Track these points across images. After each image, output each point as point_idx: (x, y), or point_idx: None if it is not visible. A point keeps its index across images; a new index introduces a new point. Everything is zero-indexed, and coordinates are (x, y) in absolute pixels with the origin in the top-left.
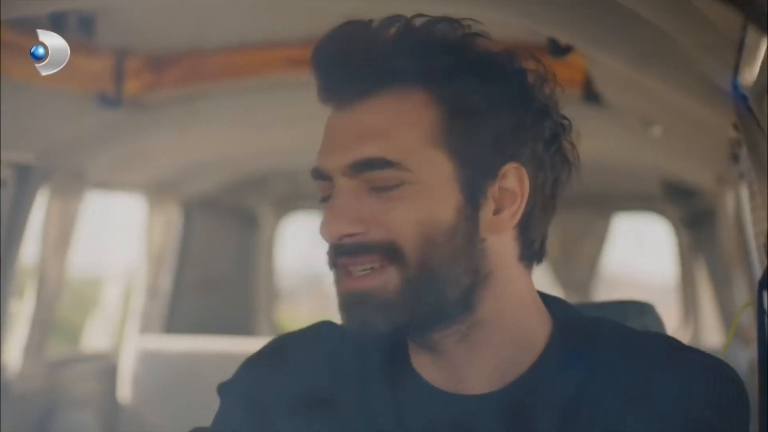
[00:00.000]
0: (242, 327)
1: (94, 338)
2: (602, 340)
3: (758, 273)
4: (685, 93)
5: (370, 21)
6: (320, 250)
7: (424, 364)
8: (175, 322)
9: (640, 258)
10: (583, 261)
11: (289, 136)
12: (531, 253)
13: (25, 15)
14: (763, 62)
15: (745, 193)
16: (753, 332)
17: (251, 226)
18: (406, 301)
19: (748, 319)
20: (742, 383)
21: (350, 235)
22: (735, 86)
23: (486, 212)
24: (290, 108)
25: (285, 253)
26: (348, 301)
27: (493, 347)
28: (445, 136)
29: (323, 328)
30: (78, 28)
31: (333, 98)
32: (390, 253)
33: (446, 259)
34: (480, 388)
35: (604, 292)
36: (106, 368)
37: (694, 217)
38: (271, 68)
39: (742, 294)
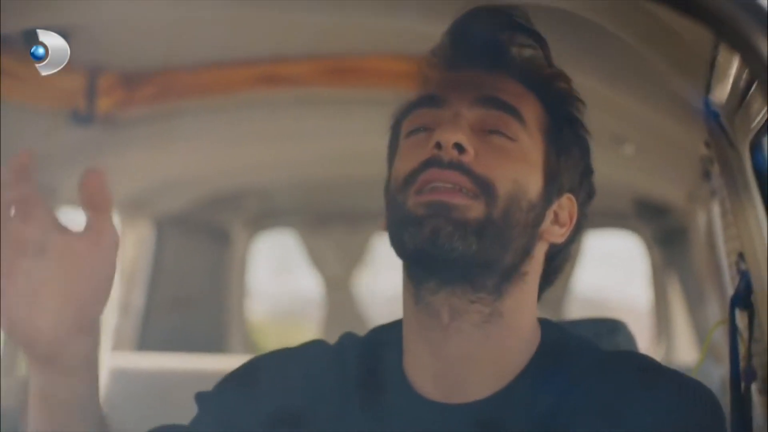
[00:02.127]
0: (214, 345)
1: None
2: (580, 358)
3: (730, 291)
4: (656, 110)
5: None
6: (293, 269)
7: (418, 371)
8: (147, 340)
9: (612, 275)
10: None
11: (263, 154)
12: (540, 287)
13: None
14: (734, 80)
15: (716, 210)
16: (725, 350)
17: (224, 244)
18: (480, 232)
19: (720, 336)
20: (717, 402)
21: (461, 150)
22: (707, 104)
23: (547, 218)
24: (263, 125)
25: (257, 270)
26: (424, 213)
27: (498, 347)
28: (548, 133)
29: (310, 348)
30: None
31: (466, 59)
32: (485, 188)
33: (520, 225)
34: (474, 393)
35: (576, 310)
36: None
37: (667, 235)
38: (244, 86)
39: (715, 312)
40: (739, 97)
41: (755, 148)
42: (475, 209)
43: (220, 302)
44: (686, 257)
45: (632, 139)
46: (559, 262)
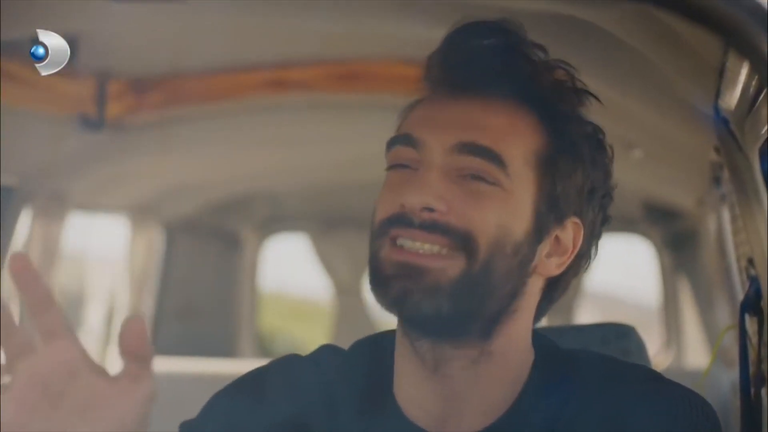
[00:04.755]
0: (225, 349)
1: None
2: (581, 370)
3: (740, 295)
4: (666, 116)
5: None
6: (302, 273)
7: (409, 400)
8: (157, 345)
9: (622, 279)
10: None
11: (271, 158)
12: (542, 309)
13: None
14: (743, 86)
15: (726, 215)
16: (735, 355)
17: (233, 249)
18: (455, 293)
19: (730, 341)
20: (716, 416)
21: (430, 210)
22: (716, 110)
23: (541, 251)
24: (272, 130)
25: (267, 275)
26: (392, 272)
27: (491, 383)
28: (542, 164)
29: (320, 355)
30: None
31: (453, 83)
32: (464, 242)
33: (504, 272)
34: (466, 426)
35: (586, 314)
36: None
37: (677, 239)
38: (253, 91)
39: (725, 316)
40: (749, 103)
41: (764, 153)
42: (451, 268)
43: (230, 307)
44: (696, 261)
45: (642, 144)
46: (556, 292)
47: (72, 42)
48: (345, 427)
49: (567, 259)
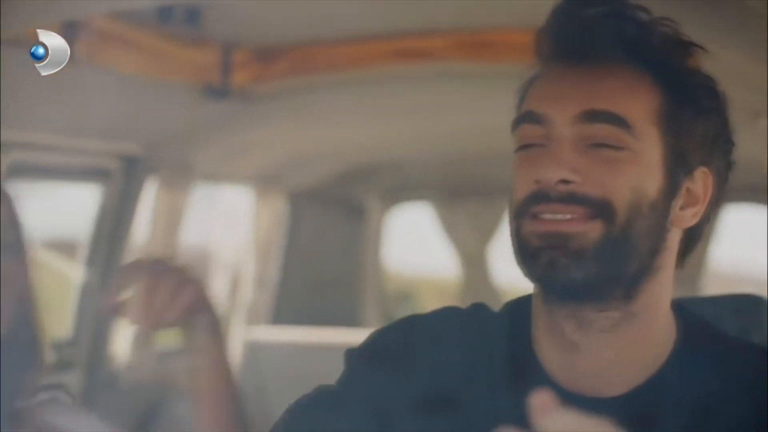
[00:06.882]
0: (349, 318)
1: None
2: (728, 346)
3: None
4: None
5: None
6: (426, 242)
7: (552, 359)
8: (282, 314)
9: (749, 250)
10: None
11: (397, 128)
12: (680, 263)
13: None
14: None
15: None
16: None
17: (358, 218)
18: (599, 255)
19: None
20: None
21: (566, 182)
22: None
23: (676, 204)
24: (398, 100)
25: (392, 244)
26: (538, 244)
27: (634, 345)
28: (664, 119)
29: (461, 311)
30: (185, 20)
31: (567, 55)
32: (601, 208)
33: (643, 231)
34: (608, 390)
35: (713, 286)
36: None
37: None
38: (380, 60)
39: None
40: None
41: None
42: (593, 231)
43: (355, 276)
44: None
45: None
46: (693, 241)
47: (197, 11)
48: (490, 390)
49: (701, 209)
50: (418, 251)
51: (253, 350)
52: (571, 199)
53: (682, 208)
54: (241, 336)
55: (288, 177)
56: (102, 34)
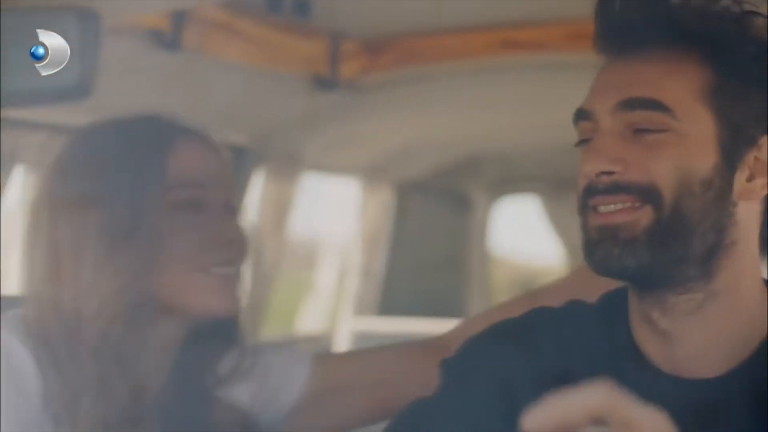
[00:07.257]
0: (455, 309)
1: (309, 320)
2: None
3: None
4: None
5: None
6: (533, 234)
7: (650, 344)
8: (388, 304)
9: None
10: None
11: (504, 119)
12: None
13: None
14: None
15: None
16: None
17: (464, 210)
18: (654, 240)
19: None
20: None
21: (608, 173)
22: None
23: (740, 177)
24: (503, 91)
25: (498, 236)
26: (596, 237)
27: (724, 324)
28: (713, 95)
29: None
30: (294, 10)
31: (609, 47)
32: (648, 193)
33: (698, 210)
34: (709, 371)
35: None
36: (321, 350)
37: None
38: (487, 51)
39: None
40: None
41: None
42: (643, 219)
43: (461, 267)
44: None
45: None
46: None
47: (307, 2)
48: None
49: None
50: (524, 243)
51: (361, 340)
52: (617, 188)
53: (749, 180)
54: (349, 326)
55: (395, 168)
56: (211, 23)
